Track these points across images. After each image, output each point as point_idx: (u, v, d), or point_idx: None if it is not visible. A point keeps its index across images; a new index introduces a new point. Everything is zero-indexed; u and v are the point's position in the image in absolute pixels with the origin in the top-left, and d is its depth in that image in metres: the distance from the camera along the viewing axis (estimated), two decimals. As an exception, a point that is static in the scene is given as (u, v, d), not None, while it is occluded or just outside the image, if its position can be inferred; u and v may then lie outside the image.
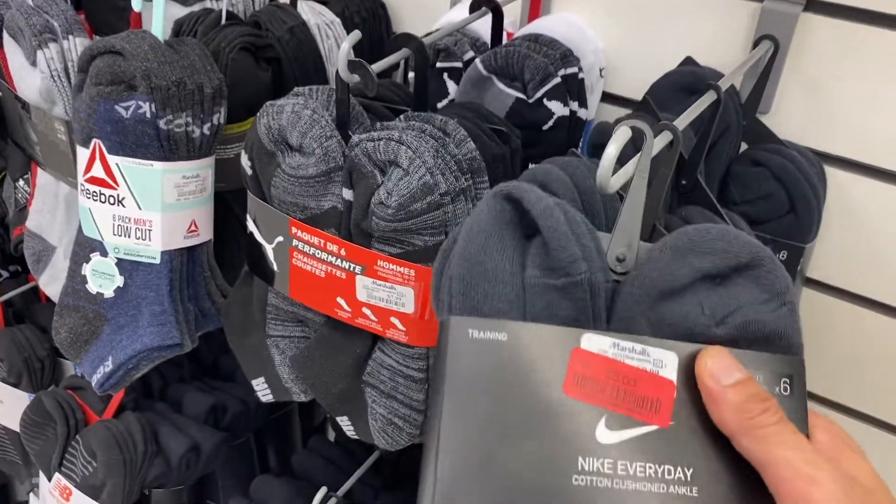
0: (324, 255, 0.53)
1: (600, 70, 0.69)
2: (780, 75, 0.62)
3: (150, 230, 0.60)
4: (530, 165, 0.54)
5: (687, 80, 0.60)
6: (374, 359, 0.56)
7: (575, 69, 0.62)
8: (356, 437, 0.61)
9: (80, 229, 0.62)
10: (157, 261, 0.61)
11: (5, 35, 0.68)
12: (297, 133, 0.51)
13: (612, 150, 0.35)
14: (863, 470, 0.32)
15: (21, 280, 1.08)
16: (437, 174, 0.48)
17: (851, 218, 0.64)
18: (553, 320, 0.34)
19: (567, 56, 0.62)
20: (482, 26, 0.68)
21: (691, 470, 0.33)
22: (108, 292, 0.62)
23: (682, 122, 0.46)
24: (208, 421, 0.86)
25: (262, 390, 0.64)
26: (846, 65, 0.59)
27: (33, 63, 0.65)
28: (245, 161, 0.55)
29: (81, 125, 0.58)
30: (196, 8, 0.68)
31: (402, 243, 0.50)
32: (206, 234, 0.64)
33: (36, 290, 1.06)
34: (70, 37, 0.65)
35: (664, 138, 0.41)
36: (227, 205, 0.68)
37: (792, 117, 0.63)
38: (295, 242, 0.54)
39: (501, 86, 0.61)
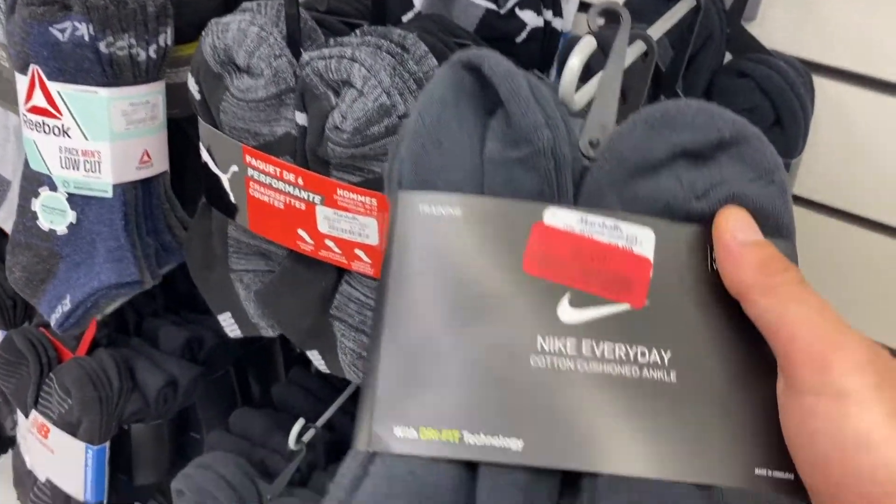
0: (281, 185, 0.50)
1: (577, -24, 0.64)
2: (769, -22, 0.58)
3: (99, 162, 0.56)
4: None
5: (667, -14, 0.56)
6: (340, 292, 0.54)
7: (548, -25, 0.58)
8: (327, 370, 0.59)
9: (26, 163, 0.59)
10: (110, 194, 0.57)
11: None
12: (243, 52, 0.47)
13: (575, 63, 0.32)
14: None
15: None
16: (395, 94, 0.44)
17: (841, 131, 0.61)
18: (514, 195, 0.31)
19: (539, -39, 0.58)
20: (449, -69, 0.63)
21: (669, 353, 0.29)
22: (61, 229, 0.59)
23: (657, 30, 0.42)
24: (185, 355, 0.85)
25: (230, 325, 0.62)
26: (839, -36, 0.55)
27: (-35, -17, 0.61)
28: (192, 85, 0.51)
29: (17, 50, 0.54)
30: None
31: (362, 170, 0.47)
32: (160, 164, 0.60)
33: None
34: (2, -47, 0.60)
35: (637, 48, 0.38)
36: (183, 132, 0.64)
37: (779, 25, 0.59)
38: (250, 172, 0.51)
39: (469, -4, 0.57)
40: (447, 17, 0.55)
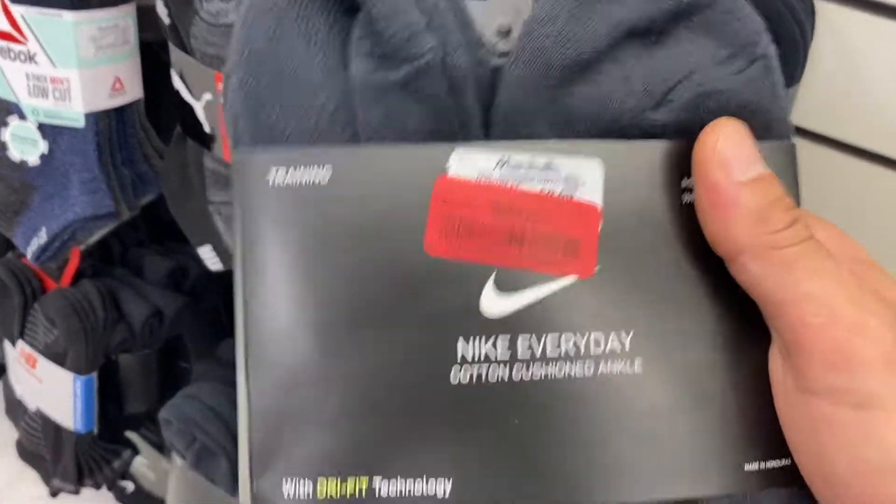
0: (256, 115, 0.48)
1: None
2: None
3: (68, 90, 0.54)
4: None
5: None
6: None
7: None
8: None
9: (-7, 90, 0.56)
10: (82, 124, 0.55)
11: None
12: (212, -26, 0.44)
13: None
14: (892, 290, 0.22)
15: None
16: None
17: (843, 59, 0.59)
18: (400, 138, 0.22)
19: None
20: None
21: (631, 334, 0.22)
22: (33, 159, 0.57)
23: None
24: (170, 285, 0.84)
25: (210, 258, 0.60)
26: None
27: None
28: (161, 8, 0.49)
29: (-26, -31, 0.51)
30: None
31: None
32: (134, 91, 0.58)
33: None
34: None
35: None
36: (157, 57, 0.61)
37: (783, -58, 0.56)
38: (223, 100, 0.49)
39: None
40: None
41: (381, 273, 0.22)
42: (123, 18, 0.55)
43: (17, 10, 0.52)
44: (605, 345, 0.22)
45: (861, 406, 0.19)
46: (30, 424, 0.86)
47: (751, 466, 0.23)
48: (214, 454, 0.71)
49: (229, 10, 0.45)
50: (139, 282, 0.84)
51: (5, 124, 0.57)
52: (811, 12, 0.56)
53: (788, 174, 0.24)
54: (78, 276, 0.84)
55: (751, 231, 0.21)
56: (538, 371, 0.22)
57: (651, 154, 0.23)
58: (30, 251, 0.60)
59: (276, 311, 0.22)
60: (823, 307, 0.20)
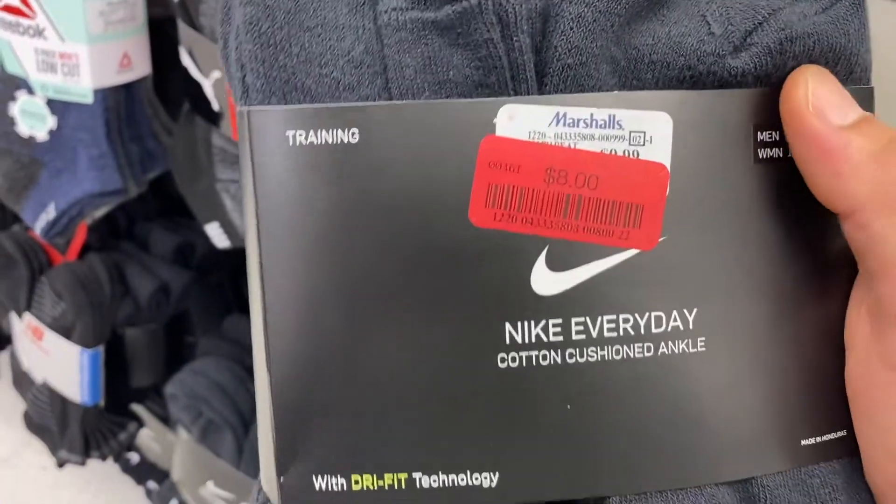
0: (265, 94, 0.48)
1: None
2: None
3: (77, 65, 0.54)
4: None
5: None
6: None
7: None
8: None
9: (1, 65, 0.56)
10: (90, 100, 0.55)
11: None
12: (222, -48, 0.44)
13: None
14: None
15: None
16: None
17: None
18: (440, 91, 0.19)
19: None
20: None
21: (695, 312, 0.20)
22: (42, 135, 0.57)
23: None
24: (177, 260, 0.84)
25: (218, 235, 0.61)
26: None
27: None
28: (170, -15, 0.48)
29: (-16, -57, 0.51)
30: None
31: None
32: (142, 68, 0.58)
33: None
34: None
35: None
36: (166, 33, 0.61)
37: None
38: (233, 79, 0.49)
39: None
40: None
41: (420, 246, 0.19)
42: (132, -6, 0.55)
43: (26, -15, 0.52)
44: (667, 324, 0.20)
45: None
46: (37, 397, 0.87)
47: (808, 441, 0.21)
48: (220, 428, 0.72)
49: (239, -12, 0.45)
50: (146, 256, 0.84)
51: (13, 99, 0.57)
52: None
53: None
54: (84, 250, 0.84)
55: (872, 180, 0.18)
56: (593, 353, 0.20)
57: (725, 105, 0.20)
58: (38, 226, 0.60)
59: (299, 291, 0.19)
60: None
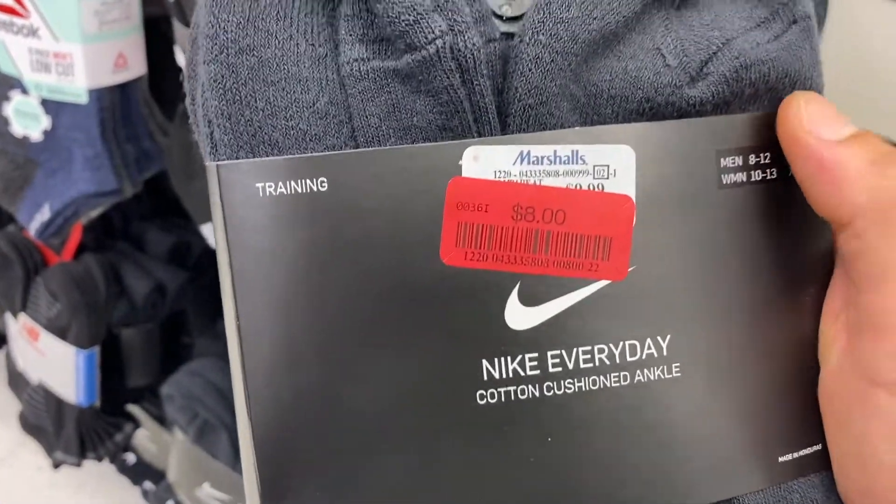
0: (261, 94, 0.47)
1: None
2: None
3: (71, 65, 0.54)
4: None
5: None
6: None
7: None
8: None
9: (-5, 65, 0.56)
10: (85, 100, 0.55)
11: None
12: (218, -49, 0.44)
13: None
14: None
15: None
16: None
17: (854, 44, 0.58)
18: (405, 136, 0.20)
19: None
20: None
21: (668, 337, 0.20)
22: (36, 135, 0.57)
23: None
24: (172, 260, 0.84)
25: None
26: None
27: None
28: (165, -16, 0.48)
29: (-23, -58, 0.51)
30: None
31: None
32: (137, 67, 0.57)
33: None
34: None
35: None
36: (161, 32, 0.61)
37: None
38: (229, 79, 0.48)
39: None
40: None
41: (393, 286, 0.19)
42: (127, -7, 0.54)
43: (20, -16, 0.51)
44: (641, 352, 0.20)
45: None
46: (32, 397, 0.87)
47: (785, 457, 0.21)
48: (216, 429, 0.72)
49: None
50: (141, 256, 0.84)
51: (7, 99, 0.56)
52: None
53: None
54: (80, 250, 0.84)
55: (870, 188, 0.19)
56: (570, 385, 0.20)
57: (686, 134, 0.20)
58: (33, 227, 0.60)
59: (276, 337, 0.19)
60: None
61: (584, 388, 0.20)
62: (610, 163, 0.20)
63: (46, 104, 0.56)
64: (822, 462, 0.22)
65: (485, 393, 0.20)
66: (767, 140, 0.21)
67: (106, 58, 0.55)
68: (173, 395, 0.72)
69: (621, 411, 0.20)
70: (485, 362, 0.20)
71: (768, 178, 0.21)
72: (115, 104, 0.57)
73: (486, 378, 0.20)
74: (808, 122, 0.20)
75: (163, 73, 0.63)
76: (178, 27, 0.50)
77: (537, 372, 0.20)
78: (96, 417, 0.85)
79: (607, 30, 0.20)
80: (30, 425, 0.88)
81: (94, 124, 0.56)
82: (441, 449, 0.19)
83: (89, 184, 0.57)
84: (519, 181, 0.19)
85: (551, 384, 0.20)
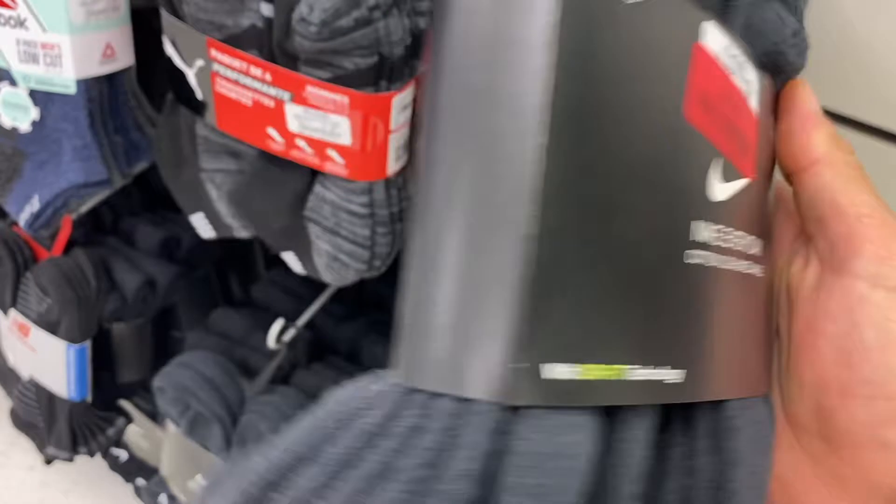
0: (248, 81, 0.48)
1: None
2: None
3: (59, 56, 0.54)
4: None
5: None
6: (314, 193, 0.53)
7: None
8: (304, 272, 0.58)
9: (-18, 56, 0.56)
10: (73, 90, 0.55)
11: None
12: (204, -62, 0.44)
13: None
14: None
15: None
16: (365, -15, 0.41)
17: (845, 34, 0.59)
18: None
19: None
20: None
21: (761, 241, 0.24)
22: (24, 126, 0.57)
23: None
24: (162, 254, 0.84)
25: (203, 226, 0.60)
26: None
27: None
28: (152, -27, 0.48)
29: (-37, -67, 0.51)
30: None
31: (332, 66, 0.45)
32: (125, 58, 0.58)
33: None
34: None
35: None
36: (149, 24, 0.61)
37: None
38: (216, 67, 0.49)
39: None
40: None
41: (645, 127, 0.18)
42: (114, -16, 0.54)
43: (7, -25, 0.51)
44: (752, 247, 0.23)
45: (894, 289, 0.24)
46: (23, 393, 0.87)
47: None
48: (208, 421, 0.72)
49: (222, -25, 0.44)
50: (132, 251, 0.84)
51: (-4, 91, 0.56)
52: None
53: None
54: (69, 246, 0.84)
55: (831, 145, 0.27)
56: (729, 263, 0.21)
57: (769, 84, 0.25)
58: (22, 219, 0.60)
59: (579, 152, 0.17)
60: (876, 210, 0.25)
61: (733, 269, 0.21)
62: (753, 81, 0.22)
63: (35, 95, 0.56)
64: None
65: (690, 252, 0.20)
66: None
67: (94, 48, 0.55)
68: (164, 388, 0.72)
69: (743, 298, 0.22)
70: (692, 223, 0.20)
71: None
72: (103, 95, 0.57)
73: (691, 238, 0.20)
74: (808, 96, 0.28)
75: (151, 65, 0.64)
76: (165, 17, 0.50)
77: (718, 243, 0.21)
78: (88, 412, 0.85)
79: None
80: (21, 422, 0.88)
81: (83, 115, 0.56)
82: (658, 306, 0.19)
83: (78, 174, 0.57)
84: (722, 69, 0.21)
85: (723, 257, 0.21)
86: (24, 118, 0.57)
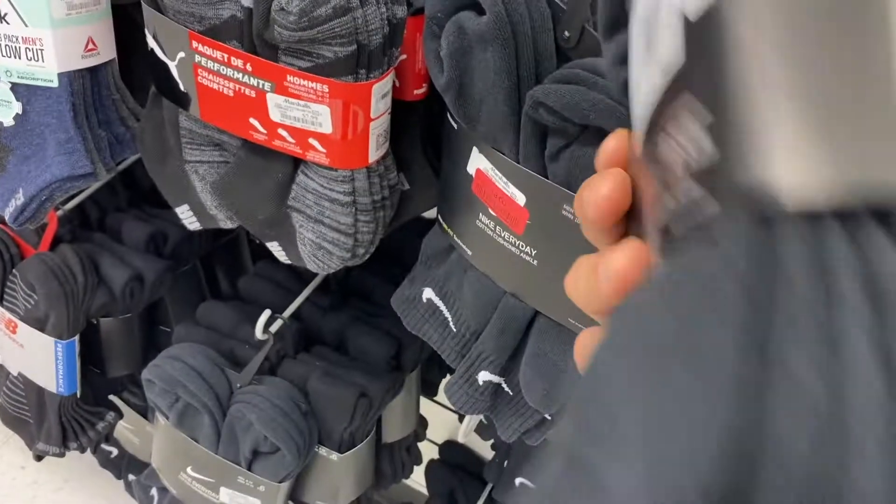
0: (230, 72, 0.48)
1: None
2: None
3: (41, 49, 0.54)
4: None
5: None
6: (297, 183, 0.53)
7: None
8: (289, 262, 0.59)
9: (-35, 52, 0.56)
10: (55, 84, 0.56)
11: None
12: (182, -70, 0.44)
13: None
14: None
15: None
16: (342, -26, 0.42)
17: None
18: None
19: None
20: None
21: None
22: (8, 120, 0.57)
23: None
24: (149, 249, 0.84)
25: (188, 218, 0.61)
26: None
27: None
28: (132, -34, 0.49)
29: (-56, -71, 0.51)
30: None
31: (311, 55, 0.45)
32: (107, 52, 0.58)
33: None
34: None
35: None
36: (130, 18, 0.61)
37: None
38: (198, 58, 0.49)
39: None
40: None
41: None
42: (95, -22, 0.55)
43: (-12, -30, 0.52)
44: None
45: None
46: (12, 389, 0.87)
47: None
48: (197, 412, 0.72)
49: (201, -34, 0.45)
50: (119, 246, 0.84)
51: (-21, 86, 0.57)
52: None
53: None
54: (56, 242, 0.84)
55: None
56: None
57: None
58: (7, 213, 0.60)
59: None
60: None
61: None
62: None
63: (17, 89, 0.56)
64: None
65: None
66: None
67: (75, 43, 0.56)
68: (153, 380, 0.73)
69: None
70: None
71: None
72: (85, 88, 0.58)
73: None
74: None
75: (134, 59, 0.64)
76: (147, 10, 0.50)
77: None
78: (77, 407, 0.86)
79: None
80: (10, 418, 0.88)
81: (66, 108, 0.56)
82: None
83: (62, 167, 0.57)
84: None
85: None
86: (7, 113, 0.57)
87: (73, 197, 0.80)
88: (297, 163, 0.53)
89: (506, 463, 0.87)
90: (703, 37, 0.16)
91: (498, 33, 0.42)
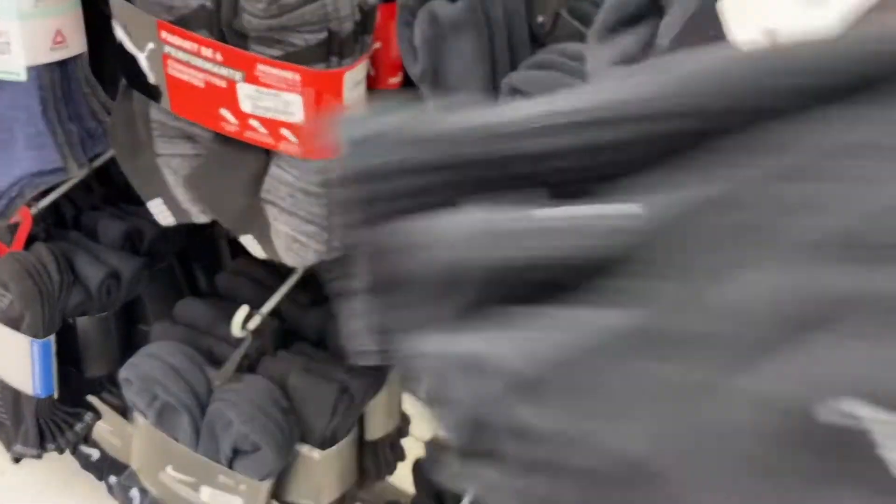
0: (200, 62, 0.48)
1: None
2: None
3: (8, 42, 0.53)
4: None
5: None
6: (270, 175, 0.53)
7: None
8: (264, 256, 0.58)
9: (-70, 46, 0.55)
10: (24, 77, 0.55)
11: None
12: (148, -83, 0.44)
13: None
14: None
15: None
16: (311, -40, 0.41)
17: None
18: None
19: None
20: None
21: None
22: (-24, 116, 0.56)
23: None
24: (125, 247, 0.83)
25: (161, 212, 0.60)
26: None
27: None
28: (99, -45, 0.48)
29: None
30: None
31: (282, 43, 0.45)
32: (76, 45, 0.57)
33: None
34: None
35: None
36: (101, 12, 0.60)
37: None
38: (167, 49, 0.48)
39: None
40: None
41: None
42: (62, -31, 0.54)
43: (-49, -39, 0.51)
44: None
45: None
46: (-12, 391, 0.86)
47: None
48: (176, 410, 0.71)
49: (168, -46, 0.44)
50: (94, 244, 0.83)
51: (-55, 80, 0.56)
52: None
53: None
54: (31, 241, 0.83)
55: None
56: None
57: None
58: (-23, 210, 0.59)
59: None
60: None
61: None
62: None
63: (-15, 84, 0.55)
64: None
65: None
66: None
67: (43, 35, 0.55)
68: (131, 379, 0.72)
69: None
70: None
71: None
72: (55, 82, 0.57)
73: None
74: None
75: (104, 53, 0.63)
76: (115, 2, 0.50)
77: None
78: (55, 408, 0.84)
79: None
80: (-14, 420, 0.87)
81: (35, 102, 0.56)
82: None
83: (33, 162, 0.56)
84: None
85: None
86: (-25, 108, 0.56)
87: (47, 194, 0.79)
88: (270, 154, 0.52)
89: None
90: None
91: (471, 19, 0.41)
